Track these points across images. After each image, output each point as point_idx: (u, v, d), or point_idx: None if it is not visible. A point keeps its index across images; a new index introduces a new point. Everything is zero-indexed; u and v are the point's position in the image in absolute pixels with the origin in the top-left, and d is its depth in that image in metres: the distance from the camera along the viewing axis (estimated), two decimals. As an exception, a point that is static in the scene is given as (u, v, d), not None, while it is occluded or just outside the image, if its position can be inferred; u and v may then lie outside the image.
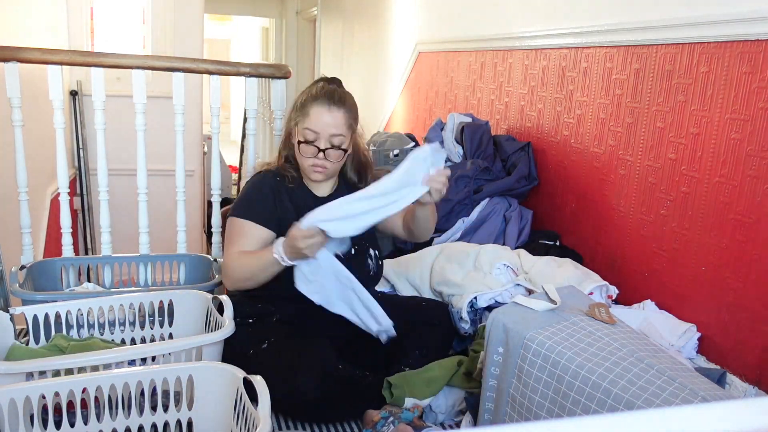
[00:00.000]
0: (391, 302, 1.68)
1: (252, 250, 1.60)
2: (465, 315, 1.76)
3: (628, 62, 1.91)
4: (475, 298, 1.78)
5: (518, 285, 1.82)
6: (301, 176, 1.71)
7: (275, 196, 1.66)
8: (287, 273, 1.54)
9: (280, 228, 1.59)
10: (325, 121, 1.60)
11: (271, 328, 1.61)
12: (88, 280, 2.19)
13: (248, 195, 1.68)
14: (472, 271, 1.91)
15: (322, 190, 1.72)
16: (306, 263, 1.50)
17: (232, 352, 1.52)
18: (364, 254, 1.71)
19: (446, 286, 1.88)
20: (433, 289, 1.95)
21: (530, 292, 1.74)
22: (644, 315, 1.72)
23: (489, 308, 1.75)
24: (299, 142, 1.62)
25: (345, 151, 1.65)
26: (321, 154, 1.61)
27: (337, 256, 1.55)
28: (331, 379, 1.46)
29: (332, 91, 1.64)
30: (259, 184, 1.69)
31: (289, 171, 1.70)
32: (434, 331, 1.70)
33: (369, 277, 1.71)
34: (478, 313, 1.79)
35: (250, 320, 1.65)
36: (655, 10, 1.80)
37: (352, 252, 1.67)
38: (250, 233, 1.63)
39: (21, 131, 2.20)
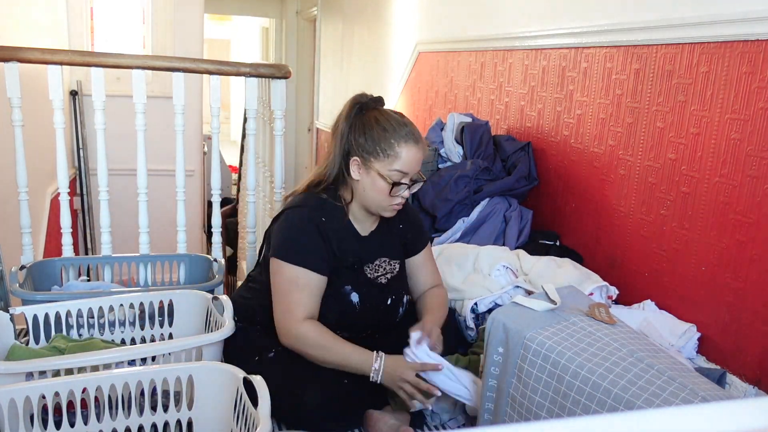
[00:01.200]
0: (396, 315, 1.68)
1: (334, 335, 1.49)
2: (470, 322, 1.77)
3: (628, 62, 1.91)
4: (476, 303, 1.78)
5: (517, 287, 1.81)
6: (345, 213, 1.59)
7: (322, 238, 1.54)
8: (322, 313, 1.52)
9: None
10: (417, 160, 1.52)
11: (273, 338, 1.59)
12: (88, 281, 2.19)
13: (296, 234, 1.54)
14: (471, 273, 1.91)
15: (364, 227, 1.63)
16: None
17: (237, 357, 1.50)
18: (399, 303, 1.66)
19: (448, 291, 1.88)
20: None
21: (529, 293, 1.74)
22: (644, 315, 1.72)
23: (490, 311, 1.75)
24: (391, 185, 1.50)
25: (425, 181, 1.61)
26: (406, 192, 1.55)
27: (368, 303, 1.56)
28: (337, 395, 1.44)
29: (413, 128, 1.54)
30: (304, 225, 1.54)
31: (332, 206, 1.58)
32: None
33: (394, 324, 1.66)
34: (480, 318, 1.79)
35: (258, 326, 1.62)
36: (655, 10, 1.80)
37: (388, 302, 1.63)
38: (309, 284, 1.50)
39: (21, 131, 2.21)
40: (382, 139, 1.50)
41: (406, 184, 1.53)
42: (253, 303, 1.65)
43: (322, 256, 1.52)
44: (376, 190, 1.52)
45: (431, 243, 2.24)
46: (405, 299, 1.67)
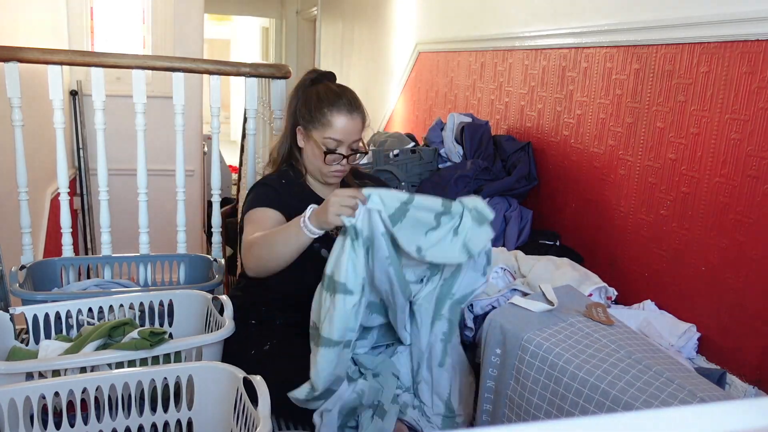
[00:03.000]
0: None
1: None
2: (470, 322, 1.76)
3: (628, 62, 1.91)
4: (471, 305, 1.78)
5: (514, 290, 1.80)
6: (302, 178, 1.70)
7: (281, 195, 1.64)
8: (298, 277, 1.48)
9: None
10: (349, 129, 1.59)
11: (275, 330, 1.61)
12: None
13: (256, 193, 1.65)
14: None
15: (325, 193, 1.71)
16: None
17: (233, 351, 1.52)
18: None
19: None
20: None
21: (526, 296, 1.74)
22: (644, 315, 1.72)
23: (486, 314, 1.75)
24: (325, 152, 1.59)
25: (366, 153, 1.67)
26: (344, 161, 1.62)
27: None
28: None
29: (350, 97, 1.61)
30: (264, 185, 1.67)
31: (290, 174, 1.69)
32: None
33: None
34: (478, 320, 1.79)
35: (253, 321, 1.64)
36: (655, 10, 1.80)
37: None
38: (265, 216, 1.57)
39: (21, 131, 2.21)
40: (317, 108, 1.60)
41: (339, 153, 1.60)
42: (245, 299, 1.68)
43: (280, 201, 1.59)
44: (314, 156, 1.63)
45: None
46: None
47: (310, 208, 1.37)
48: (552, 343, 1.19)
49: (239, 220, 1.72)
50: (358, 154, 1.65)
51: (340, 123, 1.58)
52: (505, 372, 1.25)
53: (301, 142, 1.66)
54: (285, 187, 1.65)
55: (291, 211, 1.57)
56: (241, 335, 1.58)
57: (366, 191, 1.27)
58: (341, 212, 1.26)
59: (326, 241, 1.57)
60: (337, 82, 1.74)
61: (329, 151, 1.59)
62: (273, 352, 1.54)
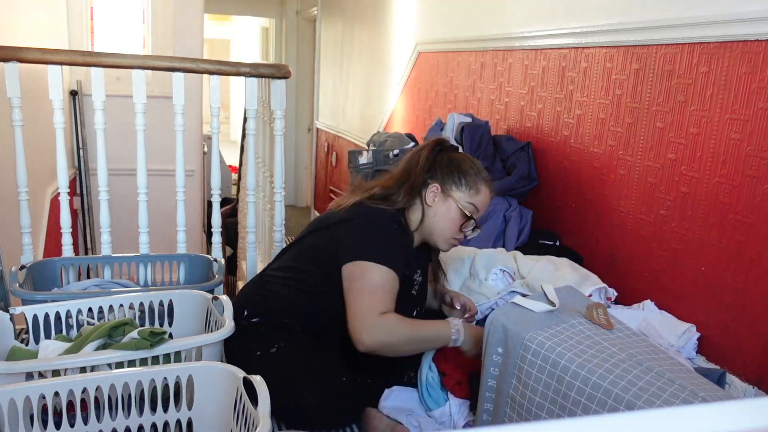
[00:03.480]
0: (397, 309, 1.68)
1: (413, 319, 1.53)
2: None
3: (628, 62, 1.91)
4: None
5: (513, 292, 1.80)
6: (408, 228, 1.63)
7: (403, 244, 1.58)
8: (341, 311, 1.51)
9: None
10: (487, 204, 1.69)
11: (282, 333, 1.59)
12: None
13: (386, 237, 1.55)
14: (467, 278, 1.90)
15: (417, 249, 1.70)
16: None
17: (239, 348, 1.51)
18: (420, 315, 1.70)
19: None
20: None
21: (527, 297, 1.74)
22: (644, 315, 1.72)
23: (485, 317, 1.75)
24: (466, 216, 1.61)
25: (479, 230, 1.70)
26: (470, 232, 1.65)
27: (403, 314, 1.53)
28: (335, 393, 1.44)
29: (489, 175, 1.69)
30: (393, 229, 1.57)
31: (401, 222, 1.61)
32: None
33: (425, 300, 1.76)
34: (478, 323, 1.79)
35: (269, 324, 1.60)
36: (655, 10, 1.80)
37: (414, 314, 1.66)
38: (394, 286, 1.51)
39: (21, 131, 2.21)
40: (470, 174, 1.63)
41: (474, 220, 1.63)
42: (271, 302, 1.62)
43: (401, 259, 1.54)
44: (448, 218, 1.62)
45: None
46: (422, 312, 1.72)
47: (458, 322, 1.50)
48: (554, 342, 1.19)
49: (354, 242, 1.58)
50: (477, 230, 1.68)
51: (486, 196, 1.65)
52: (507, 371, 1.25)
53: (430, 200, 1.62)
54: (398, 233, 1.58)
55: (402, 267, 1.55)
56: (252, 334, 1.57)
57: None
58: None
59: (401, 293, 1.57)
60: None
61: (468, 217, 1.61)
62: (278, 355, 1.52)
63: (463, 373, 1.53)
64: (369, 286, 1.48)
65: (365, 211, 1.59)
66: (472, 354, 1.49)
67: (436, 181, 1.63)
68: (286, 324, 1.59)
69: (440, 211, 1.62)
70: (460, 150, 1.77)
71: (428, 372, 1.55)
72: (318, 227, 1.66)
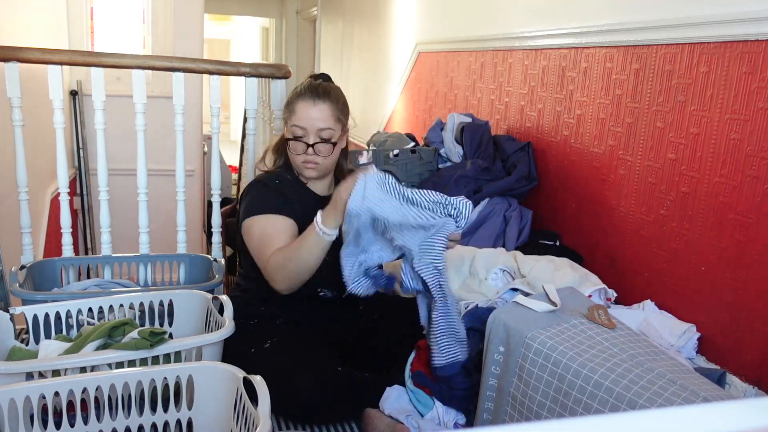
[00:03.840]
0: (393, 303, 1.68)
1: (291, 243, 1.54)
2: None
3: (628, 62, 1.91)
4: (467, 306, 1.78)
5: (513, 290, 1.80)
6: (298, 178, 1.70)
7: (280, 195, 1.64)
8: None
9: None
10: (311, 115, 1.60)
11: (275, 329, 1.61)
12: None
13: (257, 195, 1.65)
14: (467, 278, 1.90)
15: (321, 188, 1.71)
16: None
17: (233, 350, 1.52)
18: None
19: None
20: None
21: (527, 295, 1.74)
22: (644, 315, 1.72)
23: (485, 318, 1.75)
24: (288, 140, 1.62)
25: (334, 144, 1.63)
26: (310, 150, 1.61)
27: (331, 256, 1.48)
28: (331, 382, 1.45)
29: (316, 86, 1.63)
30: (261, 184, 1.67)
31: (285, 174, 1.69)
32: None
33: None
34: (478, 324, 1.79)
35: (254, 321, 1.64)
36: (655, 10, 1.80)
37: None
38: (277, 226, 1.57)
39: (21, 131, 2.21)
40: (290, 100, 1.65)
41: (304, 142, 1.60)
42: (244, 299, 1.68)
43: (284, 205, 1.60)
44: (287, 148, 1.65)
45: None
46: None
47: (319, 213, 1.44)
48: (556, 341, 1.19)
49: (237, 220, 1.72)
50: (322, 145, 1.61)
51: (302, 110, 1.60)
52: (508, 370, 1.25)
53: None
54: (283, 187, 1.65)
55: (296, 211, 1.60)
56: (241, 334, 1.58)
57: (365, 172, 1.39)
58: (344, 195, 1.38)
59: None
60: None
61: (294, 139, 1.61)
62: (273, 350, 1.54)
63: (424, 364, 1.53)
64: (257, 239, 1.57)
65: (253, 180, 1.72)
66: (340, 217, 1.41)
67: (285, 119, 1.67)
68: (264, 313, 1.64)
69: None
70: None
71: (408, 378, 1.55)
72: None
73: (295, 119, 1.61)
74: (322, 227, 1.43)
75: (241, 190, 1.77)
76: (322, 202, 1.61)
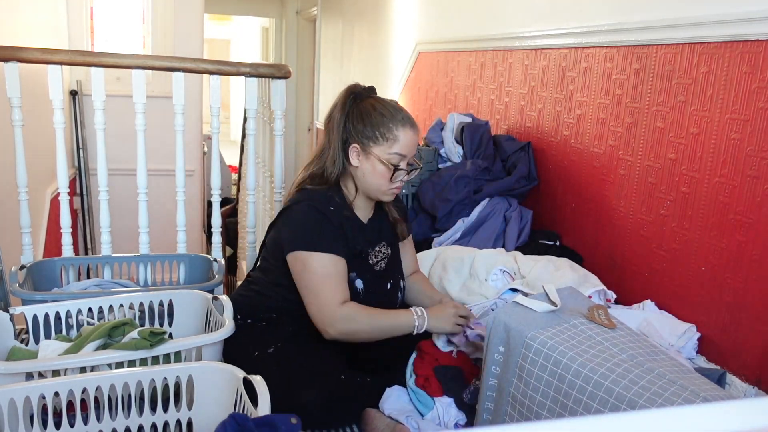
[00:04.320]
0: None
1: (375, 308, 1.54)
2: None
3: (628, 62, 1.91)
4: (470, 308, 1.78)
5: (512, 290, 1.80)
6: (348, 201, 1.62)
7: (334, 225, 1.56)
8: None
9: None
10: (413, 143, 1.59)
11: (280, 334, 1.59)
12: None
13: (312, 225, 1.54)
14: (467, 279, 1.90)
15: (364, 215, 1.67)
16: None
17: (237, 350, 1.51)
18: (397, 287, 1.70)
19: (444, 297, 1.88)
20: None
21: (526, 295, 1.74)
22: (644, 315, 1.72)
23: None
24: (393, 169, 1.56)
25: (420, 167, 1.68)
26: (406, 177, 1.61)
27: (371, 288, 1.61)
28: (334, 391, 1.45)
29: (405, 111, 1.62)
30: (314, 213, 1.56)
31: (334, 197, 1.60)
32: None
33: (396, 308, 1.71)
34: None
35: (262, 323, 1.63)
36: (655, 10, 1.80)
37: (388, 287, 1.67)
38: (338, 269, 1.52)
39: (21, 131, 2.21)
40: (381, 124, 1.55)
41: (404, 169, 1.59)
42: (256, 301, 1.66)
43: (340, 240, 1.55)
44: (376, 174, 1.57)
45: (431, 244, 2.24)
46: (402, 284, 1.72)
47: (420, 311, 1.53)
48: (556, 341, 1.19)
49: (264, 244, 1.68)
50: (416, 170, 1.65)
51: (406, 138, 1.57)
52: (508, 370, 1.25)
53: (355, 161, 1.59)
54: (335, 214, 1.57)
55: (347, 242, 1.57)
56: (246, 336, 1.57)
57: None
58: (456, 328, 1.53)
59: (361, 271, 1.61)
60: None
61: (396, 168, 1.56)
62: (277, 355, 1.53)
63: (428, 367, 1.54)
64: (315, 277, 1.51)
65: (301, 196, 1.61)
66: (446, 330, 1.54)
67: (354, 140, 1.58)
68: (275, 320, 1.62)
69: (367, 169, 1.58)
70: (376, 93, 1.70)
71: (410, 377, 1.56)
72: (274, 220, 1.70)
73: (397, 147, 1.55)
74: (422, 324, 1.52)
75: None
76: (364, 229, 1.64)
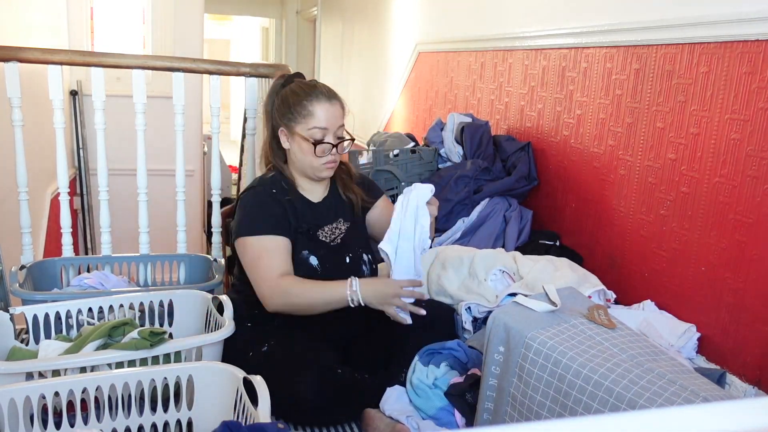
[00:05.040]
0: None
1: (312, 281, 1.56)
2: (468, 326, 1.76)
3: (628, 62, 1.91)
4: (469, 307, 1.78)
5: (511, 295, 1.79)
6: (293, 184, 1.68)
7: (275, 206, 1.62)
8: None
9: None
10: (331, 115, 1.61)
11: (272, 332, 1.60)
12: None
13: (251, 211, 1.63)
14: (467, 278, 1.90)
15: (315, 195, 1.71)
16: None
17: (231, 353, 1.51)
18: (359, 261, 1.71)
19: (444, 296, 1.88)
20: (431, 298, 1.93)
21: (526, 296, 1.73)
22: (644, 315, 1.72)
23: (485, 319, 1.75)
24: (313, 143, 1.59)
25: (352, 139, 1.67)
26: (334, 150, 1.62)
27: (328, 264, 1.62)
28: (330, 384, 1.45)
29: (324, 86, 1.64)
30: (256, 198, 1.64)
31: (280, 181, 1.67)
32: (435, 334, 1.69)
33: None
34: (477, 323, 1.79)
35: (249, 324, 1.64)
36: (655, 10, 1.80)
37: (347, 260, 1.68)
38: (276, 247, 1.57)
39: (21, 131, 2.21)
40: (296, 103, 1.61)
41: (329, 142, 1.60)
42: (238, 301, 1.68)
43: (279, 221, 1.60)
44: (302, 153, 1.62)
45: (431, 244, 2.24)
46: (365, 257, 1.72)
47: (355, 281, 1.50)
48: (556, 341, 1.19)
49: (234, 224, 1.71)
50: (345, 142, 1.65)
51: (321, 111, 1.59)
52: (508, 370, 1.25)
53: (285, 143, 1.65)
54: (278, 197, 1.63)
55: (290, 223, 1.61)
56: (238, 337, 1.58)
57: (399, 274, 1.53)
58: (388, 309, 1.50)
59: (314, 248, 1.62)
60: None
61: (318, 142, 1.59)
62: (271, 353, 1.54)
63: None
64: (254, 258, 1.57)
65: (250, 184, 1.72)
66: (377, 308, 1.52)
67: (280, 125, 1.64)
68: (258, 316, 1.63)
69: (296, 150, 1.63)
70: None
71: (412, 374, 1.55)
72: None
73: (314, 121, 1.59)
74: (356, 298, 1.49)
75: (240, 193, 1.79)
76: (314, 208, 1.66)
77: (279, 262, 1.55)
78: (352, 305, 1.50)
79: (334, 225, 1.69)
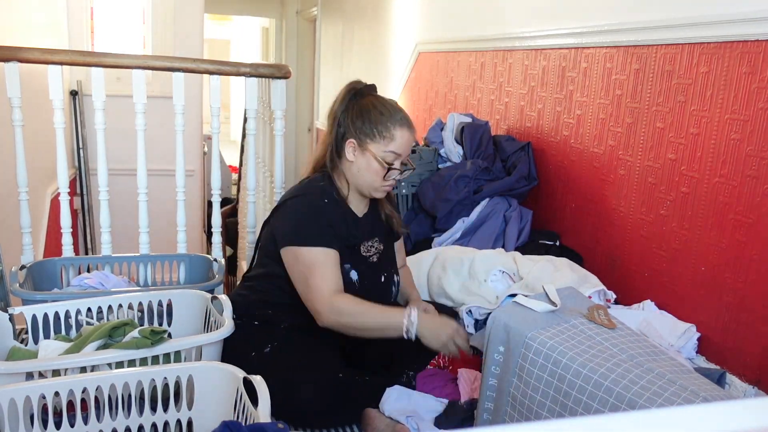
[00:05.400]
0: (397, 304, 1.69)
1: (369, 303, 1.53)
2: (470, 328, 1.76)
3: (628, 62, 1.91)
4: (470, 310, 1.78)
5: (511, 296, 1.79)
6: (344, 196, 1.65)
7: (326, 218, 1.59)
8: None
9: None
10: (408, 143, 1.61)
11: (277, 333, 1.60)
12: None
13: (303, 220, 1.58)
14: (467, 280, 1.90)
15: (359, 209, 1.69)
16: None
17: (233, 352, 1.51)
18: (391, 280, 1.71)
19: (444, 298, 1.88)
20: (432, 299, 1.94)
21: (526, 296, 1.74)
22: (644, 315, 1.72)
23: (485, 320, 1.75)
24: (387, 167, 1.58)
25: (413, 169, 1.68)
26: (399, 176, 1.63)
27: (366, 280, 1.63)
28: (332, 388, 1.45)
29: (403, 111, 1.64)
30: (309, 207, 1.59)
31: (331, 191, 1.63)
32: None
33: (390, 303, 1.71)
34: (478, 325, 1.79)
35: (256, 322, 1.63)
36: (655, 10, 1.80)
37: (382, 279, 1.68)
38: (329, 260, 1.54)
39: (21, 131, 2.21)
40: (379, 122, 1.58)
41: (398, 168, 1.61)
42: (252, 298, 1.67)
43: (331, 232, 1.57)
44: (369, 170, 1.60)
45: (430, 244, 2.24)
46: (395, 278, 1.73)
47: (414, 312, 1.48)
48: (556, 341, 1.19)
49: (273, 230, 1.65)
50: (407, 171, 1.66)
51: (401, 138, 1.58)
52: (508, 370, 1.25)
53: (351, 155, 1.61)
54: (329, 207, 1.60)
55: (339, 235, 1.59)
56: (242, 335, 1.57)
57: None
58: (445, 351, 1.49)
59: (356, 263, 1.63)
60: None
61: (391, 167, 1.58)
62: (273, 355, 1.54)
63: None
64: (305, 269, 1.53)
65: (296, 191, 1.65)
66: (434, 347, 1.49)
67: (351, 135, 1.60)
68: (269, 316, 1.63)
69: (362, 165, 1.60)
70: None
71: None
72: (269, 215, 1.71)
73: (393, 146, 1.57)
74: (412, 330, 1.47)
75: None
76: (358, 223, 1.66)
77: (331, 276, 1.53)
78: (405, 336, 1.48)
79: (371, 243, 1.69)
